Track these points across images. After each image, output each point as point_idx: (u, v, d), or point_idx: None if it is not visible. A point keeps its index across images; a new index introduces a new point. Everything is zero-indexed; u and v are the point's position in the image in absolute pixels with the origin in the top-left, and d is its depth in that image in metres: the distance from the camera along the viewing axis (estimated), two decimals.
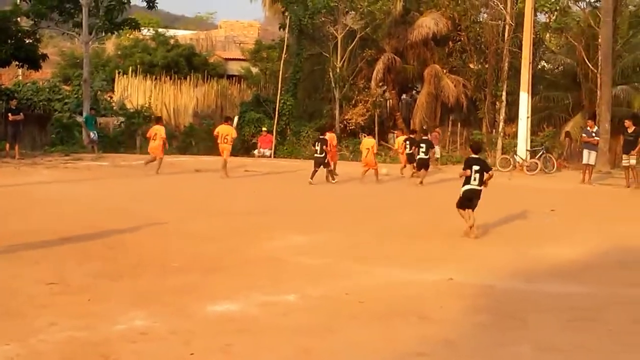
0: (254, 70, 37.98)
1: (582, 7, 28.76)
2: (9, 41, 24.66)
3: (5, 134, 22.69)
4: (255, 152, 27.74)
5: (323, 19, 30.56)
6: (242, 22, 49.02)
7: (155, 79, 35.75)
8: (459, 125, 30.40)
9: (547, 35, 30.93)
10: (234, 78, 39.34)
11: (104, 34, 29.03)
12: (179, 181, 17.90)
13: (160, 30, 42.54)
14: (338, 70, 30.36)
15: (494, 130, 28.32)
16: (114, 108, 32.41)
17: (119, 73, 36.14)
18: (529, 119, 23.85)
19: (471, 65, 30.79)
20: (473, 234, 10.35)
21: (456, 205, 10.54)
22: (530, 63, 23.92)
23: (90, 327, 5.71)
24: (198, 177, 19.14)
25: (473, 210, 10.40)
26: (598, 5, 26.58)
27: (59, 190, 15.04)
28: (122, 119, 30.88)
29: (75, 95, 30.63)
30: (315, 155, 18.06)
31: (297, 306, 6.67)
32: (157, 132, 19.03)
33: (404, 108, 34.23)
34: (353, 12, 31.55)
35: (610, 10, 23.29)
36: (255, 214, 12.44)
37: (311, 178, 17.53)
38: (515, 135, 25.14)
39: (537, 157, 22.77)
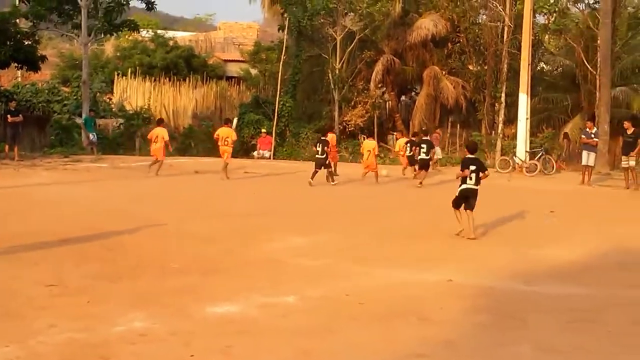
0: (253, 71, 38.01)
1: (581, 8, 28.86)
2: (8, 43, 24.66)
3: (4, 136, 22.67)
4: (255, 153, 27.77)
5: (322, 20, 30.60)
6: (241, 23, 49.02)
7: (155, 80, 35.77)
8: (458, 127, 30.41)
9: (546, 36, 30.97)
10: (233, 79, 39.35)
11: (103, 35, 29.01)
12: (178, 183, 17.89)
13: (159, 31, 42.57)
14: (337, 72, 30.38)
15: (493, 132, 28.33)
16: (113, 110, 32.43)
17: (118, 75, 36.16)
18: (528, 121, 23.85)
19: (470, 67, 30.80)
20: (472, 234, 10.37)
21: (452, 204, 10.63)
22: (529, 64, 23.93)
23: (89, 329, 5.70)
24: (197, 178, 19.13)
25: (472, 211, 10.44)
26: (597, 6, 26.62)
27: (58, 191, 15.03)
28: (121, 120, 30.89)
29: (75, 97, 30.66)
30: (317, 156, 18.07)
31: (297, 307, 6.66)
32: (159, 134, 19.04)
33: (403, 109, 34.25)
34: (352, 13, 31.57)
35: (609, 12, 23.32)
36: (255, 215, 12.44)
37: (311, 178, 17.54)
38: (514, 137, 25.15)
39: (536, 159, 22.79)
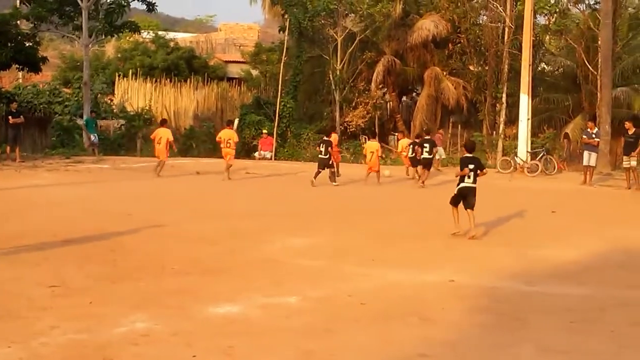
0: (254, 72, 38.00)
1: (582, 9, 28.81)
2: (9, 44, 24.66)
3: (5, 137, 22.72)
4: (256, 154, 27.76)
5: (323, 21, 30.59)
6: (242, 24, 49.02)
7: (156, 81, 35.74)
8: (459, 128, 30.38)
9: (547, 37, 30.91)
10: (234, 80, 39.33)
11: (103, 36, 29.04)
12: (179, 184, 17.90)
13: (160, 33, 42.52)
14: (338, 73, 30.37)
15: (494, 132, 28.29)
16: (115, 111, 32.42)
17: (119, 76, 36.16)
18: (529, 121, 23.84)
19: (471, 68, 30.78)
20: (473, 232, 10.39)
21: (450, 202, 10.68)
22: (530, 65, 23.92)
23: (91, 330, 5.71)
24: (198, 179, 19.16)
25: (472, 210, 10.46)
26: (597, 7, 26.59)
27: (59, 193, 15.03)
28: (122, 121, 30.88)
29: (76, 98, 30.68)
30: (320, 156, 18.09)
31: (298, 308, 6.67)
32: (163, 135, 19.05)
33: (404, 110, 34.25)
34: (353, 14, 31.57)
35: (609, 12, 23.30)
36: (256, 216, 12.44)
37: (314, 178, 17.55)
38: (515, 137, 25.12)
39: (537, 159, 22.78)
